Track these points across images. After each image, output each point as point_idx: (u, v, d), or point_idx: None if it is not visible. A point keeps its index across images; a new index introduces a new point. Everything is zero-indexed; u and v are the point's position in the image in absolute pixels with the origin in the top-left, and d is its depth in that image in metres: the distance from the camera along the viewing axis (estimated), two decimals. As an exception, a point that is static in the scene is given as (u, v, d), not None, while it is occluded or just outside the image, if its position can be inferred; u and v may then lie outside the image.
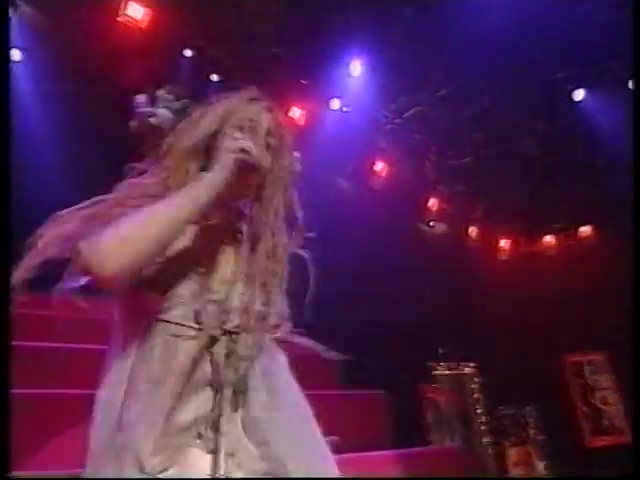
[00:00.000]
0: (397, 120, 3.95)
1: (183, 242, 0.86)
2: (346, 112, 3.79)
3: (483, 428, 3.36)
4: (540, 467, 3.51)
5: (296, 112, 3.59)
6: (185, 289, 0.85)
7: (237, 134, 0.90)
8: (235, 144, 0.88)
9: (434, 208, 4.16)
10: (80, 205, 0.84)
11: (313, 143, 4.43)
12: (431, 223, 4.25)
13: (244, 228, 0.94)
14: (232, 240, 0.93)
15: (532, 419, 3.59)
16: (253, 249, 0.92)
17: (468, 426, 3.27)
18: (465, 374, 3.41)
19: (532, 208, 4.19)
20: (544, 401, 3.63)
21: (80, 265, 0.78)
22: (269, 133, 0.96)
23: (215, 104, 0.96)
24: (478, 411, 3.38)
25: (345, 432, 2.20)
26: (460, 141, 4.26)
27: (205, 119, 0.93)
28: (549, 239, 4.41)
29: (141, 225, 0.79)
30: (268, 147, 0.96)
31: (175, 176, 0.89)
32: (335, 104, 3.71)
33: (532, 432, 3.58)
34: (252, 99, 0.99)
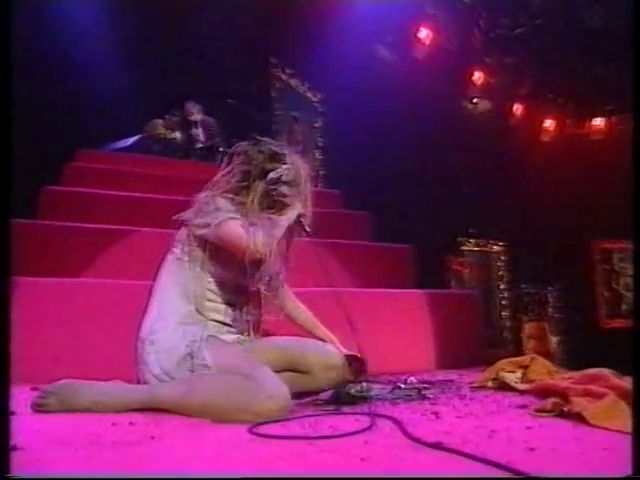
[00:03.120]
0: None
1: None
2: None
3: (503, 303, 3.51)
4: (553, 342, 3.69)
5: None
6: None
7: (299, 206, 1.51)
8: (299, 210, 1.50)
9: (479, 82, 3.90)
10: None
11: (350, 8, 4.09)
12: (474, 100, 4.03)
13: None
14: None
15: (552, 299, 3.71)
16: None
17: (488, 300, 3.41)
18: (492, 252, 3.48)
19: (584, 86, 3.89)
20: (567, 283, 3.71)
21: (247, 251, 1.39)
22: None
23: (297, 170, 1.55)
24: (501, 287, 3.50)
25: (375, 276, 2.43)
26: (515, 7, 3.86)
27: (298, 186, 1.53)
28: (598, 122, 4.13)
29: (269, 236, 1.42)
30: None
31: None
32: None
33: (550, 310, 3.71)
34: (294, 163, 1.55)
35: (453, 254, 3.31)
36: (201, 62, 4.34)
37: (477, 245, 3.43)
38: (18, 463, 0.79)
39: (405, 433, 1.07)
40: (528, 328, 3.60)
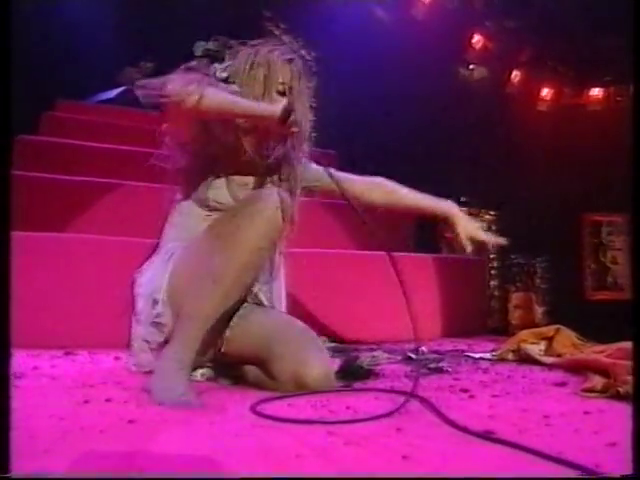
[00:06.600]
0: None
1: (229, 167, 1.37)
2: None
3: (492, 272, 3.49)
4: (539, 312, 3.70)
5: None
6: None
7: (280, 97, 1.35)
8: (283, 102, 1.30)
9: (478, 46, 3.78)
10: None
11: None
12: (472, 65, 3.92)
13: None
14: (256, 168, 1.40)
15: (540, 270, 3.70)
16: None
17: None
18: (484, 221, 3.43)
19: (585, 54, 3.80)
20: (555, 255, 3.70)
21: (188, 97, 1.18)
22: (291, 78, 1.41)
23: (257, 60, 1.39)
24: (491, 256, 3.48)
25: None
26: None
27: (254, 79, 1.37)
28: (597, 92, 4.05)
29: (226, 98, 1.26)
30: (290, 90, 1.40)
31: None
32: None
33: (538, 281, 3.71)
34: (282, 56, 1.40)
35: (445, 222, 3.26)
36: (188, 11, 4.13)
37: (469, 213, 3.37)
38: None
39: (446, 420, 0.93)
40: (515, 298, 3.60)
